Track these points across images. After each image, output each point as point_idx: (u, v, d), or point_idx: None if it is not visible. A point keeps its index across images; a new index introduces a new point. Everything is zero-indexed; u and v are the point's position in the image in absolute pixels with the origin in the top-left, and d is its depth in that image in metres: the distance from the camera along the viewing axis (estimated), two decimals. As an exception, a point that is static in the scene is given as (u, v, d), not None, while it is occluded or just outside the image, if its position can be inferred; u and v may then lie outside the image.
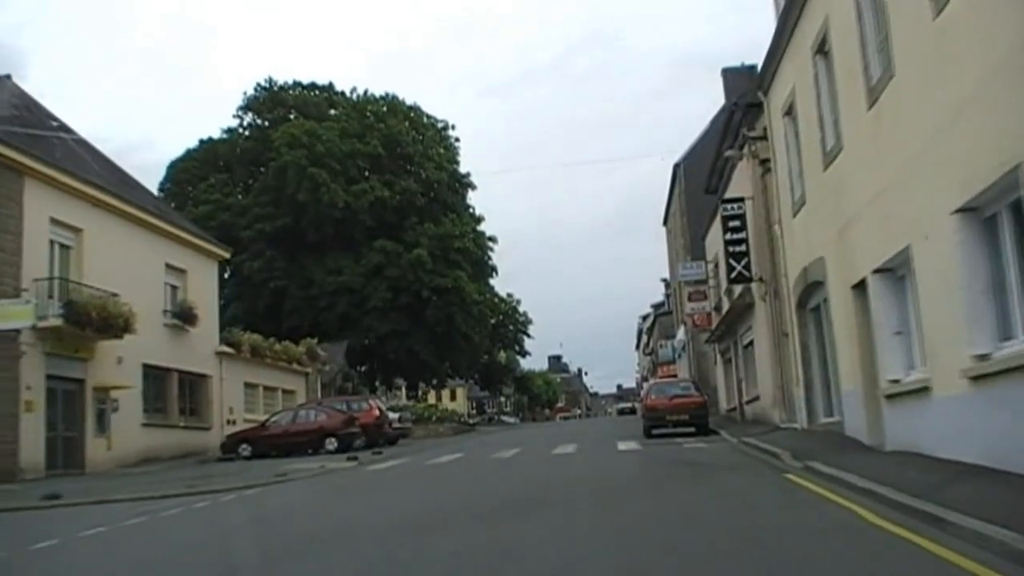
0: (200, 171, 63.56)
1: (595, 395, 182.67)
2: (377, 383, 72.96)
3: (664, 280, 61.78)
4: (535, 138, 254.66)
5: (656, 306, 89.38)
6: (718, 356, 37.56)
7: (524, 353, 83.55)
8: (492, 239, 66.71)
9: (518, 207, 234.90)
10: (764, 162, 25.53)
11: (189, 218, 60.16)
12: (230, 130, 65.33)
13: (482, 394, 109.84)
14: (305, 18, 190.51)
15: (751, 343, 29.03)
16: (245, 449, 31.39)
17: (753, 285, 27.06)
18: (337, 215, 56.76)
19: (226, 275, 60.64)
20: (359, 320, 57.05)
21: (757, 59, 26.47)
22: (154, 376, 32.19)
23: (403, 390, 76.35)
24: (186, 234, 35.24)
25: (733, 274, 26.54)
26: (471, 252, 60.67)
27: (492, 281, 70.87)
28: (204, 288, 35.97)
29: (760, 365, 27.44)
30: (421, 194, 60.34)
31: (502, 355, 71.69)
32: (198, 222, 58.85)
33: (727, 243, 26.57)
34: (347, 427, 31.44)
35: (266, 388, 40.55)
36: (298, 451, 30.85)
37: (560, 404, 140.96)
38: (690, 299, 37.17)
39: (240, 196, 61.39)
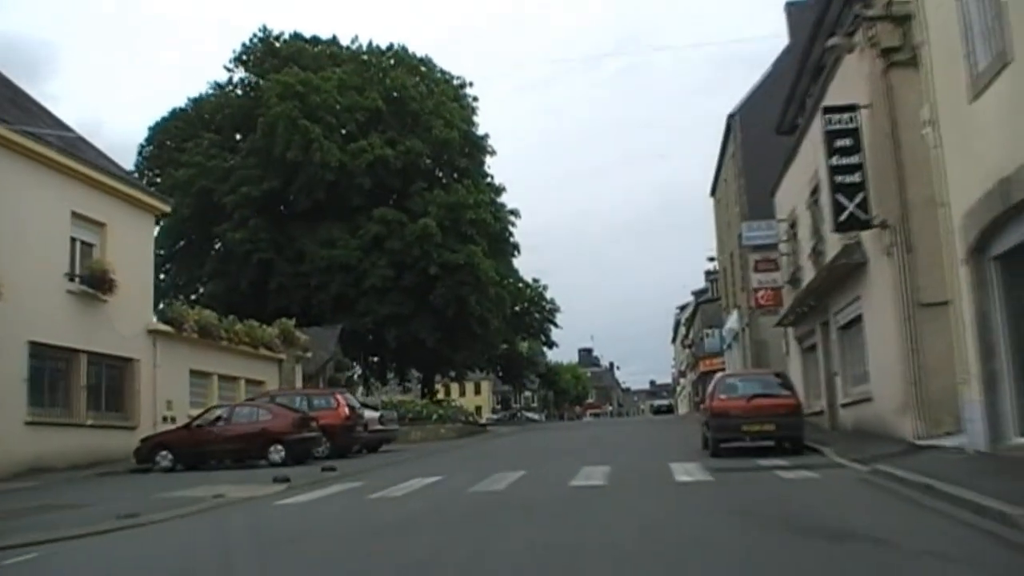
0: (185, 132, 55.91)
1: (627, 391, 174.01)
2: (389, 375, 65.70)
3: (710, 258, 53.38)
4: (569, 135, 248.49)
5: (698, 293, 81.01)
6: (791, 344, 29.22)
7: (551, 344, 75.76)
8: (514, 213, 58.70)
9: (551, 203, 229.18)
10: (888, 52, 17.39)
11: (168, 183, 53.08)
12: (218, 85, 57.53)
13: (506, 388, 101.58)
14: (333, 14, 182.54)
15: (856, 321, 20.68)
16: (165, 457, 23.40)
17: (866, 235, 18.77)
18: (331, 177, 48.88)
19: (215, 248, 53.31)
20: (356, 301, 49.14)
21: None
22: (50, 358, 24.26)
23: (421, 384, 68.38)
24: (107, 178, 27.19)
25: (842, 216, 18.09)
26: (488, 225, 52.45)
27: (516, 264, 63.29)
28: (133, 248, 27.97)
29: (875, 352, 19.13)
30: (429, 156, 52.26)
31: (524, 345, 63.17)
32: (177, 187, 51.71)
33: (833, 171, 18.17)
34: (300, 430, 23.38)
35: (223, 378, 32.56)
36: (235, 460, 23.10)
37: (590, 400, 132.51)
38: (757, 269, 28.85)
39: (227, 159, 53.54)
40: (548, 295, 71.78)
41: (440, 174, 53.84)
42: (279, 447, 22.84)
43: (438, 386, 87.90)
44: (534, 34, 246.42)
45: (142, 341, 27.88)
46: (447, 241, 49.18)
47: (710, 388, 19.12)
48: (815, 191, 23.61)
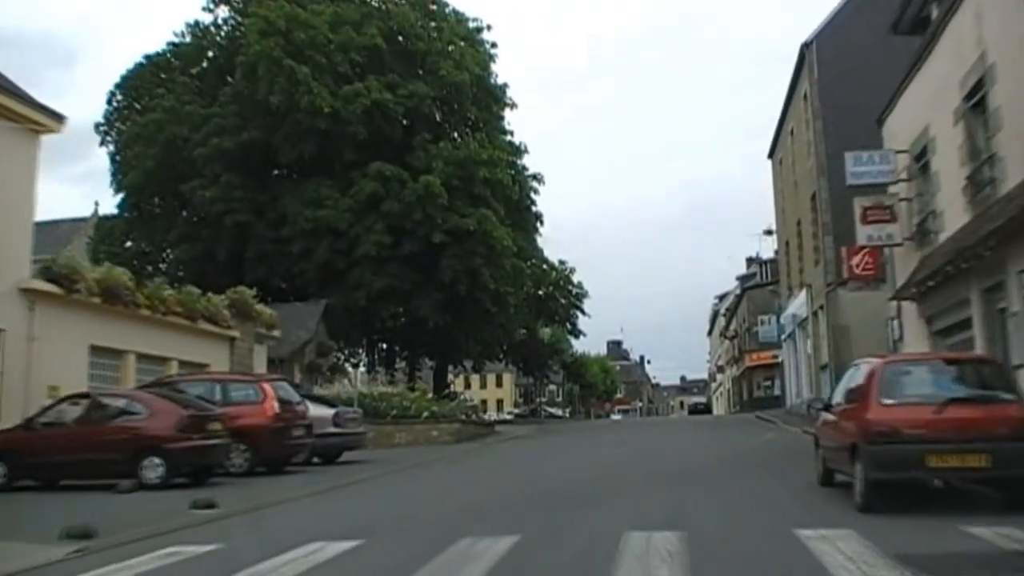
0: (161, 81, 48.19)
1: (656, 386, 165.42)
2: (400, 364, 58.08)
3: (767, 231, 44.85)
4: (601, 131, 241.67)
5: (743, 278, 72.86)
6: (910, 326, 21.01)
7: (577, 333, 67.73)
8: (537, 178, 50.47)
9: (582, 198, 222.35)
10: None
11: (132, 131, 45.85)
12: (195, 24, 49.69)
13: (529, 381, 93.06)
14: None
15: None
16: (-5, 470, 15.77)
17: None
18: (320, 126, 40.91)
19: (185, 210, 45.54)
20: (346, 272, 41.28)
21: None
22: None
23: (433, 374, 60.42)
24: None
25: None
26: (505, 187, 44.24)
27: (540, 242, 55.41)
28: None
29: None
30: (436, 103, 44.16)
31: (545, 331, 54.85)
32: (141, 137, 44.41)
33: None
34: (189, 434, 15.50)
35: (145, 358, 24.78)
36: (93, 476, 15.41)
37: (619, 395, 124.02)
38: (865, 220, 20.56)
39: (206, 107, 45.69)
40: (575, 279, 64.38)
41: (448, 125, 45.86)
42: (156, 460, 15.03)
43: (455, 378, 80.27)
44: (566, 28, 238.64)
45: (12, 304, 20.17)
46: (455, 203, 41.16)
47: (858, 384, 10.83)
48: (977, 88, 15.56)
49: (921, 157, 19.41)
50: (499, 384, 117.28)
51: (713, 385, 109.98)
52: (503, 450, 25.60)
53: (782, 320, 42.77)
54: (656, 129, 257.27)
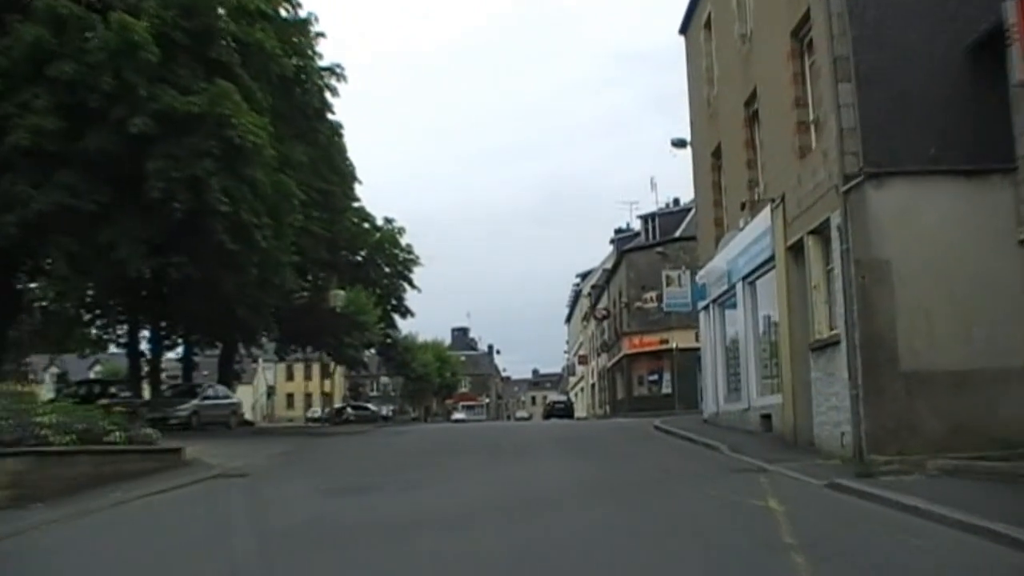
0: None
1: (507, 380, 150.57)
2: (166, 342, 41.64)
3: (677, 143, 28.65)
4: (458, 121, 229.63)
5: (620, 241, 58.08)
6: None
7: (405, 312, 52.59)
8: (336, 72, 34.38)
9: (433, 187, 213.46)
10: None
11: None
12: None
13: (356, 373, 75.94)
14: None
15: None
16: None
17: None
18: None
19: None
20: (-16, 182, 24.40)
21: None
22: None
23: (219, 362, 43.66)
24: None
25: None
26: (270, 57, 27.92)
27: (360, 193, 41.05)
28: None
29: None
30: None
31: (338, 294, 37.71)
32: None
33: None
34: None
35: None
36: None
37: (464, 390, 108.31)
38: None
39: None
40: (404, 242, 49.34)
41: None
42: None
43: (253, 364, 63.79)
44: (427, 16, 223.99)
45: None
46: (176, 71, 24.73)
47: None
48: None
49: None
50: (327, 375, 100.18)
51: (572, 379, 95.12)
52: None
53: (699, 279, 27.59)
54: (508, 122, 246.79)
